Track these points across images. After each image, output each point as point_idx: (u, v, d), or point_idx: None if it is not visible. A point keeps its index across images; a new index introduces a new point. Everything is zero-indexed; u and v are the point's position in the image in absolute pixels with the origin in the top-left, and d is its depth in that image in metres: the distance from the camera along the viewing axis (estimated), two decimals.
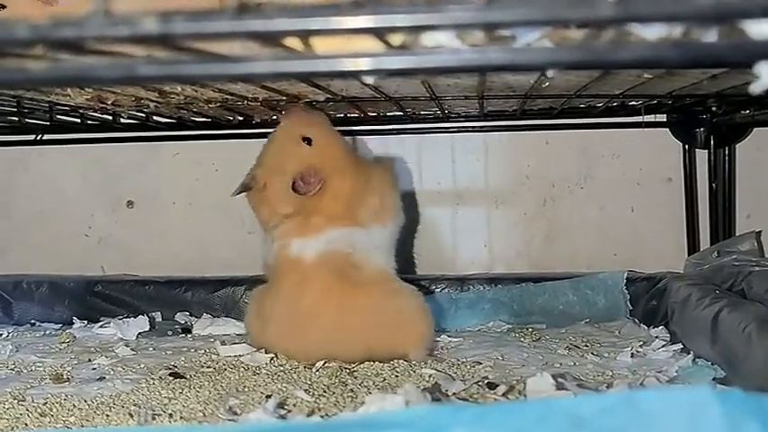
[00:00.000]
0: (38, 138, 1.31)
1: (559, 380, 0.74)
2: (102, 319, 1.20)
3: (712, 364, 0.87)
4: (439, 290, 1.22)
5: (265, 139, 1.06)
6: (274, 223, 1.02)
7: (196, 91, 0.87)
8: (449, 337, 1.07)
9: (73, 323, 1.21)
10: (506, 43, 0.44)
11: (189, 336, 1.13)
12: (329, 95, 0.92)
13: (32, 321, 1.24)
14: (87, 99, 0.86)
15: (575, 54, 0.35)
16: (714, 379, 0.84)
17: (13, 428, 0.74)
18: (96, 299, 1.26)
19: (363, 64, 0.36)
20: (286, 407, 0.77)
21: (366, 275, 0.98)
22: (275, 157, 1.02)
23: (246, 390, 0.85)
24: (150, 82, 0.38)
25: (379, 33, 0.38)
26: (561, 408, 0.45)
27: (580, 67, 0.35)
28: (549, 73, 0.45)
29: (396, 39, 0.44)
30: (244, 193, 1.05)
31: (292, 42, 0.42)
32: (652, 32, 0.39)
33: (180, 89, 0.84)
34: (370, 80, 0.45)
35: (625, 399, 0.45)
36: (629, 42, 0.37)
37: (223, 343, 1.04)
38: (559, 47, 0.35)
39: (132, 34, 0.35)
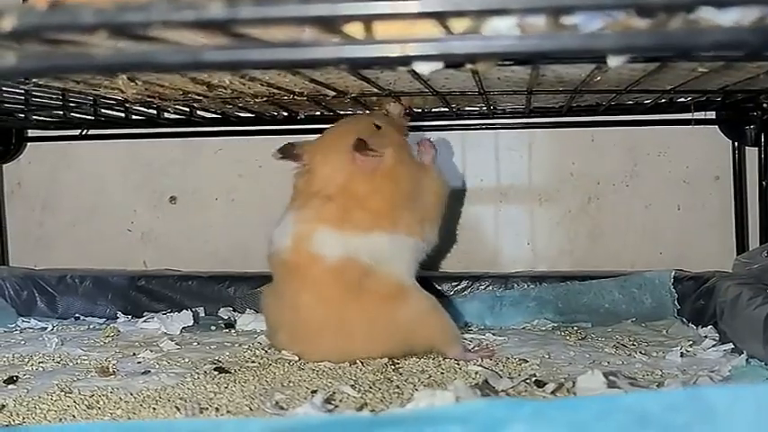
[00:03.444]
0: (83, 133, 1.32)
1: (611, 378, 0.73)
2: (145, 313, 1.21)
3: (766, 365, 0.86)
4: (482, 287, 1.20)
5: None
6: (299, 203, 0.97)
7: (244, 84, 0.86)
8: (493, 335, 1.06)
9: (117, 317, 1.21)
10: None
11: (233, 331, 1.13)
12: (377, 90, 0.92)
13: (76, 315, 1.25)
14: (136, 93, 0.86)
15: (650, 39, 0.34)
16: None
17: (60, 420, 0.74)
18: (139, 294, 1.26)
19: (429, 49, 0.35)
20: (333, 402, 0.76)
21: (380, 285, 0.94)
22: (339, 136, 0.97)
23: (292, 385, 0.84)
24: (216, 68, 0.38)
25: (443, 18, 0.38)
26: (624, 404, 0.44)
27: (655, 51, 0.34)
28: (612, 62, 0.44)
29: (458, 27, 0.43)
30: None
31: (354, 29, 0.41)
32: (726, 18, 0.38)
33: (228, 82, 0.83)
34: (427, 70, 0.45)
35: (690, 395, 0.44)
36: (704, 27, 0.36)
37: None
38: (634, 32, 0.35)
39: (198, 19, 0.34)
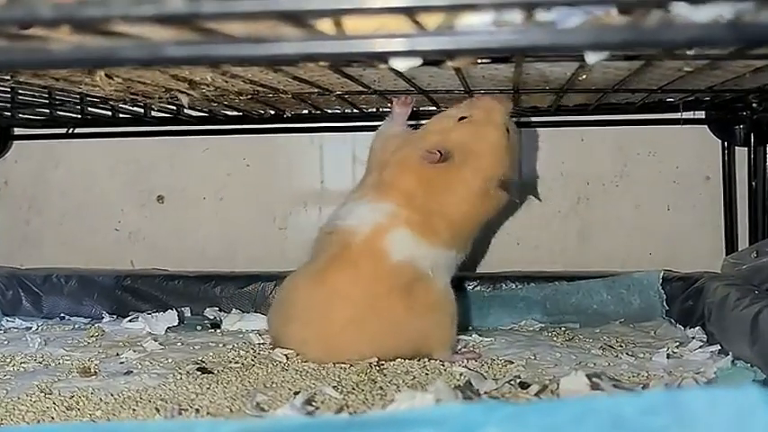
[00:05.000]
0: (69, 132, 1.31)
1: (594, 379, 0.72)
2: (131, 313, 1.20)
3: (752, 366, 0.85)
4: (471, 287, 1.20)
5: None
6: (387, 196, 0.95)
7: (227, 82, 0.85)
8: (480, 335, 1.05)
9: (102, 317, 1.20)
10: None
11: (218, 331, 1.12)
12: (361, 88, 0.91)
13: (62, 315, 1.24)
14: (116, 90, 0.85)
15: (622, 34, 0.33)
16: (754, 381, 0.81)
17: (39, 422, 0.73)
18: (125, 293, 1.25)
19: (397, 45, 0.34)
20: (314, 403, 0.75)
21: (428, 292, 0.94)
22: (476, 139, 0.94)
23: (274, 386, 0.83)
24: (177, 63, 0.37)
25: (413, 14, 0.37)
26: (600, 407, 0.43)
27: (627, 47, 0.33)
28: (590, 58, 0.44)
29: (431, 23, 0.42)
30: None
31: (326, 26, 0.40)
32: (701, 15, 0.37)
33: (210, 79, 0.82)
34: (402, 66, 0.44)
35: (668, 398, 0.43)
36: (678, 23, 0.35)
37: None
38: (606, 27, 0.34)
39: (158, 13, 0.34)
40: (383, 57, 0.35)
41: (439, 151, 0.93)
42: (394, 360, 0.92)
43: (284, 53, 0.34)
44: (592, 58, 0.45)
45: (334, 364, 0.90)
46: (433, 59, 0.55)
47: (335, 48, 0.34)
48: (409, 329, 0.93)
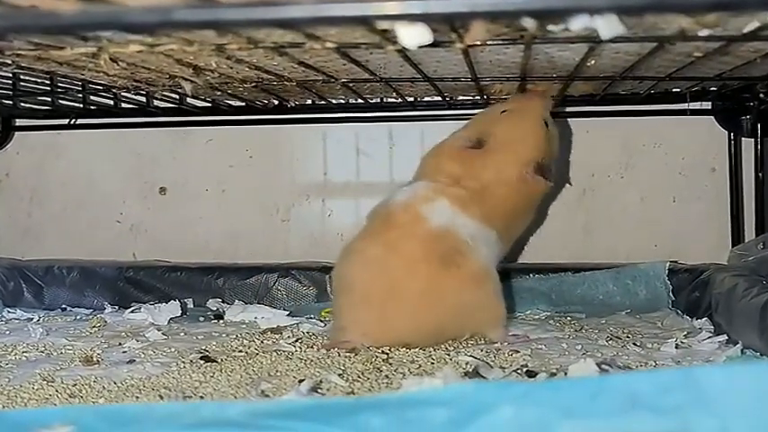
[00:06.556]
0: (71, 122, 1.30)
1: (603, 366, 0.71)
2: (133, 305, 1.19)
3: (761, 355, 0.84)
4: None
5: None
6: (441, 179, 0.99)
7: (231, 68, 0.85)
8: None
9: (104, 309, 1.20)
10: None
11: (221, 322, 1.12)
12: (367, 74, 0.90)
13: (63, 306, 1.23)
14: (119, 76, 0.84)
15: None
16: None
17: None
18: (127, 285, 1.25)
19: (411, 7, 0.33)
20: (320, 390, 0.75)
21: (470, 264, 0.94)
22: (513, 128, 1.00)
23: (279, 374, 0.83)
24: (187, 27, 0.36)
25: None
26: (615, 385, 0.43)
27: (648, 9, 0.32)
28: (605, 32, 0.43)
29: None
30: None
31: None
32: None
33: (215, 65, 0.81)
34: (412, 42, 0.43)
35: (684, 375, 0.42)
36: None
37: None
38: None
39: None
40: (394, 20, 0.35)
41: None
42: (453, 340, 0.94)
43: (296, 16, 0.33)
44: (606, 31, 0.44)
45: (338, 353, 0.90)
46: (442, 40, 0.54)
47: (348, 11, 0.34)
48: (455, 301, 0.93)
